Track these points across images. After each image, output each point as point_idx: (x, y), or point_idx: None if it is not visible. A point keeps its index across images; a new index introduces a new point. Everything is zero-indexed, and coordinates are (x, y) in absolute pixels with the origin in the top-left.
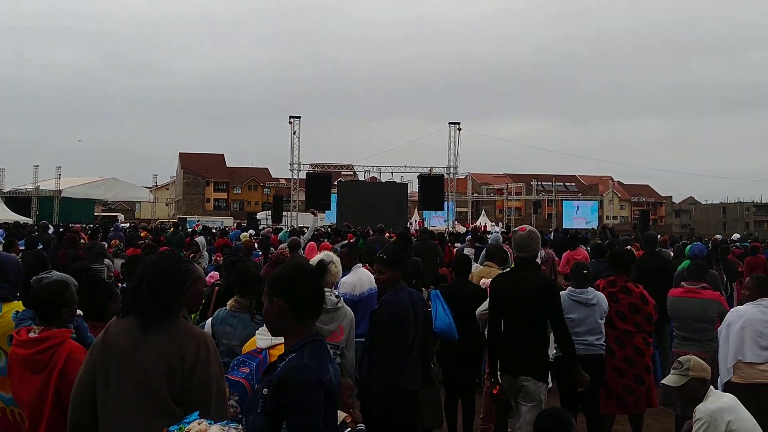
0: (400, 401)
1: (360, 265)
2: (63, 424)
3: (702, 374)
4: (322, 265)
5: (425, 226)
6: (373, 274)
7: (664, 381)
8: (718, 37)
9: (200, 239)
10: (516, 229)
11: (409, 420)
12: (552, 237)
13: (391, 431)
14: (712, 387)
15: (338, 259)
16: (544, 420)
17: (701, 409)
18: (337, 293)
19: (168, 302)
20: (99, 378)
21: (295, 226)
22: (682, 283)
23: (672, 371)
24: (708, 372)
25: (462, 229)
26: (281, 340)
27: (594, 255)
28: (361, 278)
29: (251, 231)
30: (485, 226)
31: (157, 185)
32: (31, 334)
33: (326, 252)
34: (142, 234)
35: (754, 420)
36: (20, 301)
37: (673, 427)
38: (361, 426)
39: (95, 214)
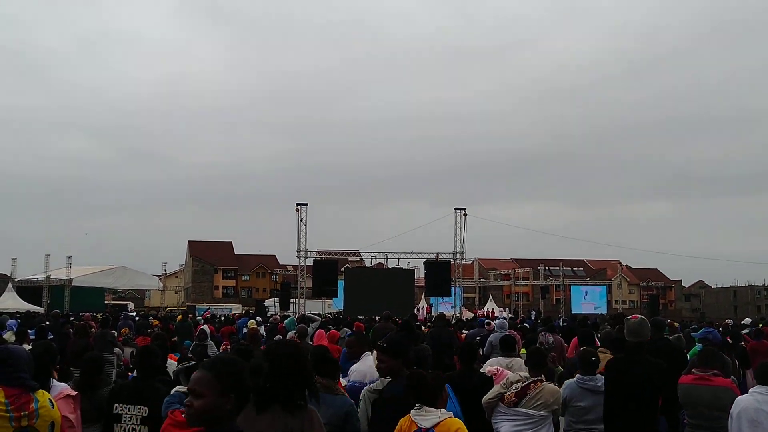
0: None
1: (369, 353)
2: None
3: None
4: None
5: (442, 312)
6: None
7: None
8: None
9: (205, 327)
10: (629, 317)
11: None
12: (560, 323)
13: None
14: None
15: None
16: None
17: None
18: None
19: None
20: None
21: (304, 312)
22: (693, 369)
23: None
24: None
25: (470, 315)
26: (441, 417)
27: (583, 342)
28: (371, 366)
29: (258, 318)
30: (493, 312)
31: (166, 273)
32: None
33: None
34: (152, 322)
35: None
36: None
37: None
38: None
39: (105, 302)
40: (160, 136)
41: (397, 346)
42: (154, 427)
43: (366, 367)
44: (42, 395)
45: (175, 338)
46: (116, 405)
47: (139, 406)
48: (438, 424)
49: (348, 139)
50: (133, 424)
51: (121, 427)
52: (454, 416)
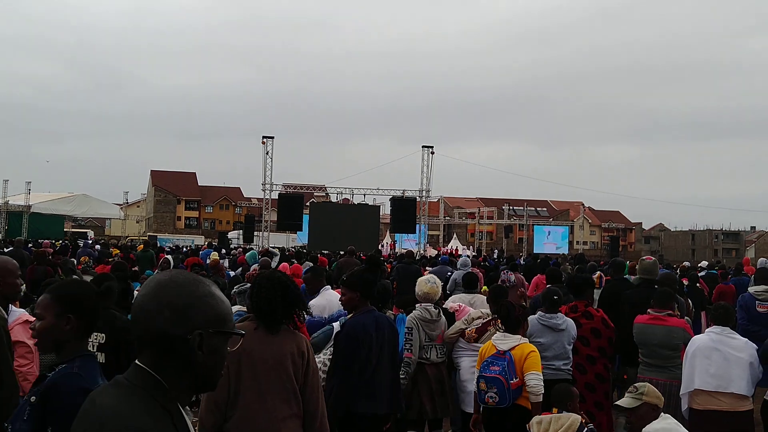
0: (364, 425)
1: (328, 287)
2: None
3: (655, 401)
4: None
5: (410, 249)
6: None
7: (617, 402)
8: (689, 63)
9: (168, 257)
10: (644, 258)
11: None
12: (521, 261)
13: None
14: (662, 413)
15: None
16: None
17: (648, 430)
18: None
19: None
20: (233, 377)
21: (267, 246)
22: (649, 310)
23: (627, 394)
24: (661, 401)
25: (433, 252)
26: (519, 341)
27: (550, 280)
28: (330, 300)
29: (223, 250)
30: (457, 250)
31: (128, 202)
32: None
33: (431, 276)
34: (112, 251)
35: None
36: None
37: None
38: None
39: (65, 230)
40: (124, 64)
41: (357, 279)
42: (112, 353)
43: (325, 301)
44: None
45: (136, 267)
46: None
47: (95, 333)
48: (514, 347)
49: (317, 72)
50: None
51: None
52: None
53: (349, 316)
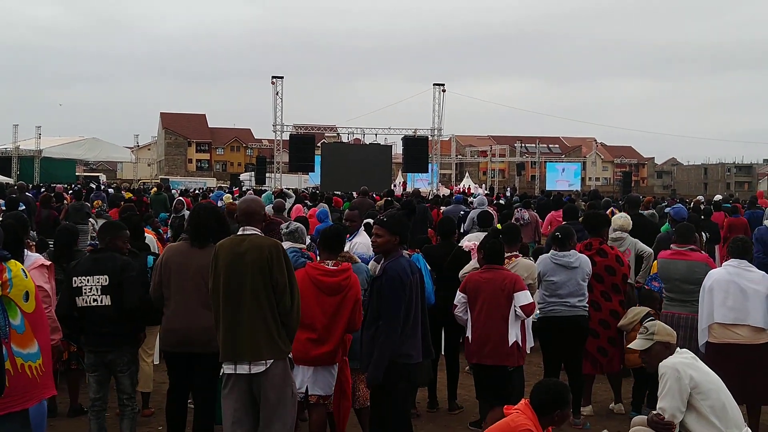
0: (403, 372)
1: (361, 228)
2: None
3: (666, 338)
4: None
5: (417, 188)
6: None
7: (630, 345)
8: None
9: (181, 198)
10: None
11: (410, 390)
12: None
13: (392, 402)
14: (678, 348)
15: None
16: (542, 390)
17: (664, 364)
18: None
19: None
20: (164, 282)
21: (281, 187)
22: (672, 245)
23: (638, 336)
24: (673, 336)
25: (446, 191)
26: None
27: (567, 217)
28: (368, 241)
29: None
30: (469, 188)
31: (138, 145)
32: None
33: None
34: (125, 195)
35: (715, 375)
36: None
37: None
38: None
39: (76, 174)
40: (131, 5)
41: (398, 221)
42: (116, 294)
43: (368, 239)
44: (14, 265)
45: (151, 210)
46: (74, 279)
47: (98, 276)
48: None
49: (325, 9)
50: (94, 294)
51: (83, 299)
52: (428, 289)
53: (382, 261)
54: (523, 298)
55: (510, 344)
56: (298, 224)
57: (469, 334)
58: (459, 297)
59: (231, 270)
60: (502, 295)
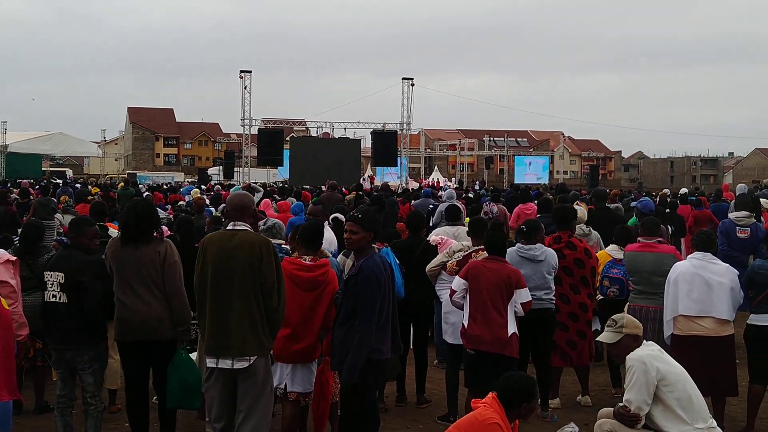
0: (374, 368)
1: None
2: None
3: (635, 331)
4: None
5: (386, 182)
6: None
7: (598, 338)
8: None
9: (148, 193)
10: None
11: (379, 386)
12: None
13: (362, 397)
14: (644, 340)
15: None
16: (509, 383)
17: (631, 357)
18: None
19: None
20: (114, 275)
21: (249, 182)
22: (639, 238)
23: (606, 329)
24: (640, 329)
25: (415, 185)
26: None
27: (542, 210)
28: (331, 237)
29: (203, 186)
30: (438, 182)
31: (105, 140)
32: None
33: None
34: (92, 190)
35: (681, 367)
36: None
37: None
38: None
39: (43, 169)
40: None
41: (371, 217)
42: (73, 293)
43: (331, 234)
44: None
45: (119, 206)
46: (45, 273)
47: (57, 273)
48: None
49: (292, 4)
50: (54, 290)
51: (49, 293)
52: (397, 283)
53: (357, 258)
54: (525, 295)
55: (509, 334)
56: (276, 220)
57: (465, 321)
58: (459, 283)
59: (220, 265)
60: (503, 287)
